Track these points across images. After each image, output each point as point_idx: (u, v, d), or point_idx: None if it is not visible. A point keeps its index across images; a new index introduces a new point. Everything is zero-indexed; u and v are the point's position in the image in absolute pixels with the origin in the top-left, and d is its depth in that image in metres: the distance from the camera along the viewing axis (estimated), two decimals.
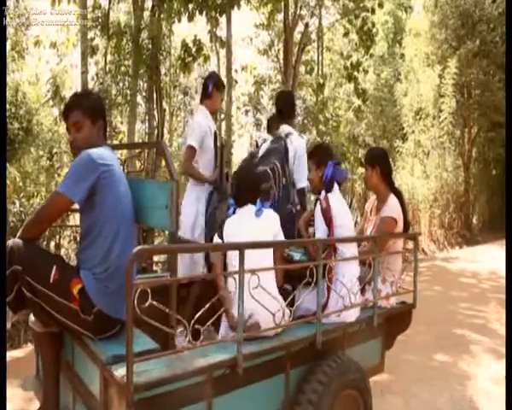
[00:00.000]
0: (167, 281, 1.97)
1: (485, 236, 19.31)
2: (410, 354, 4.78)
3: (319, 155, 3.18)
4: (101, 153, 2.23)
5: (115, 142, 9.55)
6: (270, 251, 2.67)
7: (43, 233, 2.43)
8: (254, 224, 2.75)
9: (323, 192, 2.99)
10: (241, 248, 1.98)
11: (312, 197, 3.56)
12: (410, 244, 3.53)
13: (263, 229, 2.73)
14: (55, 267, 2.14)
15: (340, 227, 2.90)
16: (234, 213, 2.88)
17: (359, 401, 2.77)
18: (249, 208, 2.80)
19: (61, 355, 2.45)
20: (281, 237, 2.82)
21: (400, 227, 3.27)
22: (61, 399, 2.40)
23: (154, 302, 1.66)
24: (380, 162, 3.44)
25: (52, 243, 6.35)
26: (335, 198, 2.97)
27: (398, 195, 3.40)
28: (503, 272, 10.05)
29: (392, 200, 3.32)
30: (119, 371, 1.79)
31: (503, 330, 5.88)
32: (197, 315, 1.85)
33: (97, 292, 2.17)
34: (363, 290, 3.03)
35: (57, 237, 6.38)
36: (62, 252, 6.39)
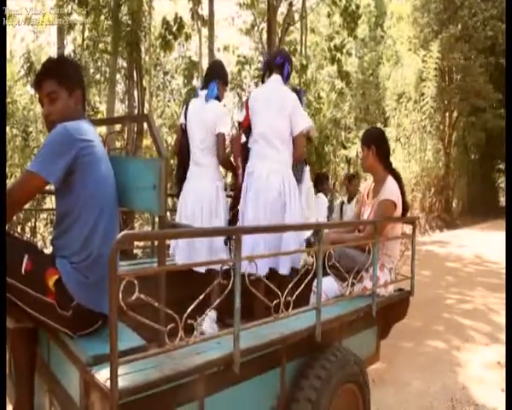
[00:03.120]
0: (155, 270, 1.76)
1: (464, 219, 19.58)
2: (401, 340, 4.68)
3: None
4: (79, 127, 1.98)
5: None
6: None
7: (12, 217, 2.17)
8: (202, 109, 3.56)
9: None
10: (237, 233, 1.77)
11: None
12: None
13: (206, 117, 3.52)
14: (26, 256, 1.89)
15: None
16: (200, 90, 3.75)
17: (358, 396, 2.62)
18: (203, 93, 3.64)
19: (36, 353, 2.21)
20: (222, 124, 3.51)
21: (399, 211, 3.12)
22: (36, 402, 2.18)
23: (142, 295, 1.45)
24: (375, 142, 3.27)
25: (27, 228, 6.07)
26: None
27: (397, 176, 3.24)
28: (486, 256, 10.21)
29: (391, 182, 3.16)
30: (102, 374, 1.57)
31: (490, 315, 5.88)
32: (190, 308, 1.64)
33: (76, 284, 1.92)
34: (361, 278, 2.89)
35: (32, 220, 6.11)
36: (38, 237, 6.11)
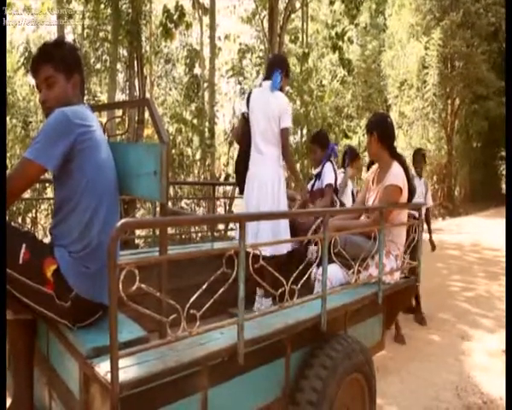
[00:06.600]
0: (157, 259, 1.71)
1: (466, 207, 19.53)
2: (405, 329, 4.65)
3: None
4: (78, 111, 1.91)
5: None
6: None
7: (10, 206, 2.10)
8: (268, 99, 3.57)
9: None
10: (241, 220, 1.72)
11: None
12: None
13: (271, 108, 3.54)
14: (24, 246, 1.83)
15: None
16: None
17: (363, 385, 2.58)
18: (267, 84, 3.64)
19: (35, 345, 2.16)
20: (287, 115, 3.56)
21: (405, 196, 3.06)
22: (35, 394, 2.13)
23: (143, 285, 1.39)
24: (377, 128, 3.20)
25: (28, 219, 6.02)
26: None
27: (402, 161, 3.17)
28: (486, 243, 10.15)
29: (396, 167, 3.10)
30: (102, 367, 1.52)
31: (492, 302, 5.85)
32: (193, 298, 1.59)
33: (75, 274, 1.87)
34: (366, 265, 2.84)
35: (33, 210, 6.06)
36: (39, 228, 6.06)
